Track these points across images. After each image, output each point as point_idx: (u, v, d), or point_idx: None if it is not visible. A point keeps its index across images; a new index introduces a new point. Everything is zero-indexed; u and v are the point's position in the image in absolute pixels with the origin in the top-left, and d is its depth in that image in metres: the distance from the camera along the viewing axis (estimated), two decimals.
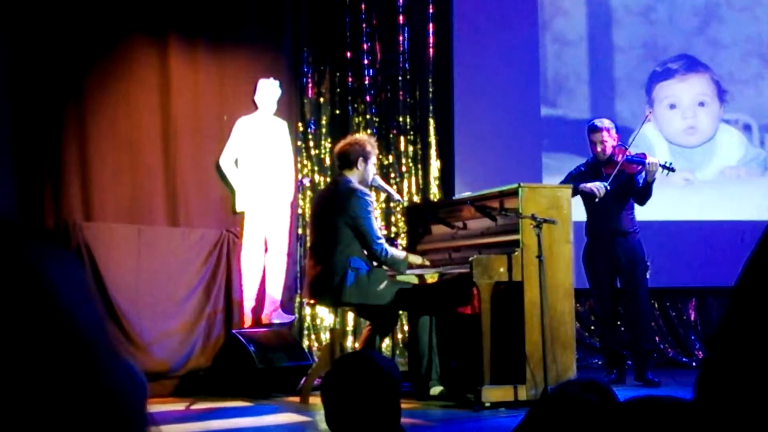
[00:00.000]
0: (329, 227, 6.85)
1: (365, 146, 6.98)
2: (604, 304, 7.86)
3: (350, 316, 8.97)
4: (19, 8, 7.37)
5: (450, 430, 5.99)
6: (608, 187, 7.52)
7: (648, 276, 7.75)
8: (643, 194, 7.65)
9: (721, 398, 1.23)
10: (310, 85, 9.39)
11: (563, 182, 7.78)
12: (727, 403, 1.23)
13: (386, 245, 6.94)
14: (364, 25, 9.62)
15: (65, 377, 0.63)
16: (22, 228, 0.69)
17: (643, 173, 7.58)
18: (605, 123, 7.84)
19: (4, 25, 7.21)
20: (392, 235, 8.99)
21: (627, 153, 7.63)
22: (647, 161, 7.56)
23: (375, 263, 6.89)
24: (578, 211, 7.84)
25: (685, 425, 1.40)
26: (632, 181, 7.67)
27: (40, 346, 0.63)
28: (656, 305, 8.52)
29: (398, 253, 7.11)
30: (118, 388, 0.68)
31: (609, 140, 7.70)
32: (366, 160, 6.95)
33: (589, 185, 7.58)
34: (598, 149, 7.72)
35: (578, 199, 7.72)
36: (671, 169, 7.56)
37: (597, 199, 7.54)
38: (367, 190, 6.93)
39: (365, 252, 6.85)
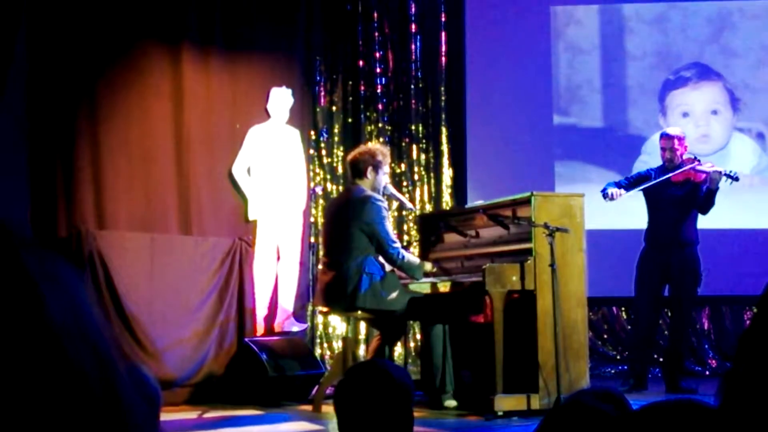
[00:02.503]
0: (343, 234, 6.86)
1: (376, 156, 6.99)
2: (646, 313, 7.88)
3: (363, 324, 8.97)
4: (32, 17, 7.39)
5: None
6: (622, 195, 7.61)
7: (699, 288, 7.83)
8: (706, 203, 7.74)
9: (745, 404, 1.23)
10: (322, 93, 9.41)
11: (634, 176, 7.89)
12: (752, 409, 1.22)
13: (402, 250, 6.95)
14: (376, 34, 9.64)
15: (61, 394, 0.62)
16: (17, 236, 0.68)
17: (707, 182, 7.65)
18: (676, 132, 7.95)
19: (19, 34, 7.24)
20: (405, 244, 8.98)
21: (696, 164, 7.70)
22: (711, 170, 7.61)
23: (390, 268, 6.90)
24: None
25: (702, 430, 1.39)
26: (698, 191, 7.73)
27: (35, 366, 0.61)
28: (669, 314, 8.51)
29: (414, 258, 7.12)
30: (125, 402, 0.67)
31: (680, 149, 7.78)
32: (376, 169, 6.95)
33: (610, 189, 7.71)
34: (667, 156, 7.79)
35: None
36: (735, 178, 7.62)
37: (606, 200, 7.65)
38: (380, 197, 6.94)
39: (380, 258, 6.87)
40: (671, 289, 7.86)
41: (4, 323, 0.60)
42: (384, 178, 7.04)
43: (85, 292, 0.70)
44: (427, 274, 7.10)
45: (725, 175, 7.61)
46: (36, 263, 0.64)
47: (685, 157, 7.82)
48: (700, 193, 7.76)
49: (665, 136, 7.90)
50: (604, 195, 7.74)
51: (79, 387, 0.62)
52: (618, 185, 7.82)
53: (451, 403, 6.81)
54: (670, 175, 7.70)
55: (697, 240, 7.83)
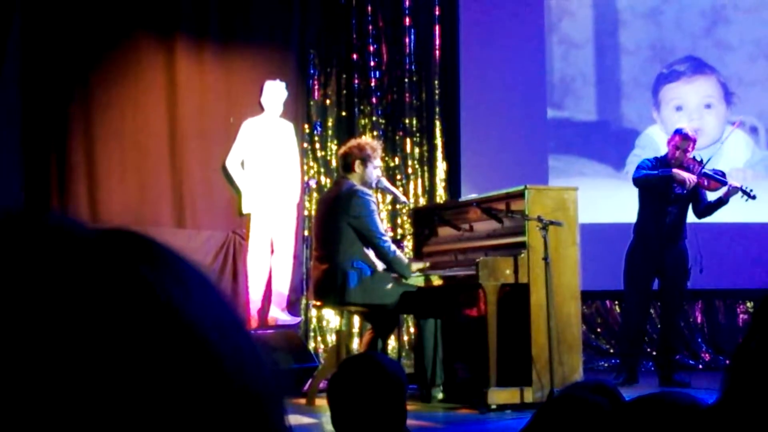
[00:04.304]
0: (332, 228, 6.85)
1: (365, 149, 6.97)
2: (637, 307, 7.90)
3: (356, 318, 8.97)
4: (26, 9, 7.38)
5: None
6: (695, 181, 7.61)
7: (689, 282, 7.85)
8: (708, 210, 7.80)
9: (747, 398, 1.23)
10: (316, 86, 9.40)
11: (650, 164, 7.84)
12: (750, 404, 1.22)
13: (393, 245, 6.94)
14: (370, 27, 9.63)
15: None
16: (139, 241, 0.65)
17: (719, 192, 7.67)
18: (693, 133, 7.92)
19: (12, 27, 7.22)
20: (398, 237, 8.98)
21: (702, 167, 7.70)
22: (729, 183, 7.66)
23: (381, 263, 6.88)
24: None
25: (694, 423, 1.40)
26: (697, 193, 7.77)
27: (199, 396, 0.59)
28: (660, 307, 8.52)
29: (403, 256, 7.12)
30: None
31: (690, 151, 7.78)
32: (365, 163, 6.94)
33: (684, 174, 7.61)
34: (678, 154, 7.76)
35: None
36: (751, 196, 7.64)
37: (685, 190, 7.61)
38: (368, 191, 6.93)
39: (370, 252, 6.85)
40: (662, 283, 7.87)
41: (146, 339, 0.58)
42: (375, 172, 7.03)
43: (223, 297, 0.67)
44: (419, 271, 7.10)
45: (742, 190, 7.62)
46: (161, 271, 0.62)
47: (689, 156, 7.80)
48: (700, 195, 7.77)
49: (684, 136, 7.81)
50: (678, 181, 7.65)
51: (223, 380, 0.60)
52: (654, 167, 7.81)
53: (438, 395, 6.83)
54: (709, 173, 7.70)
55: (686, 235, 7.85)
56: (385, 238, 6.87)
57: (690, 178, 7.59)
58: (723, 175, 7.81)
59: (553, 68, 9.83)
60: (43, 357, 0.54)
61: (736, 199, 7.78)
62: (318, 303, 7.24)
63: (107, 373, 0.55)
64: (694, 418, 1.41)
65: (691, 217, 7.92)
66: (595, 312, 9.69)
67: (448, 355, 6.99)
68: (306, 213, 8.94)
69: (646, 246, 7.78)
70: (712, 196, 7.82)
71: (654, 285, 7.91)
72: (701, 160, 7.79)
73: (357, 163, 6.92)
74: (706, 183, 7.73)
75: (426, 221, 7.97)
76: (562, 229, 6.50)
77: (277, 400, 0.64)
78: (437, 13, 9.80)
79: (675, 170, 7.66)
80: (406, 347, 8.96)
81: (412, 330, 8.65)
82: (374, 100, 9.60)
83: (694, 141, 7.83)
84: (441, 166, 9.69)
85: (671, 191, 7.71)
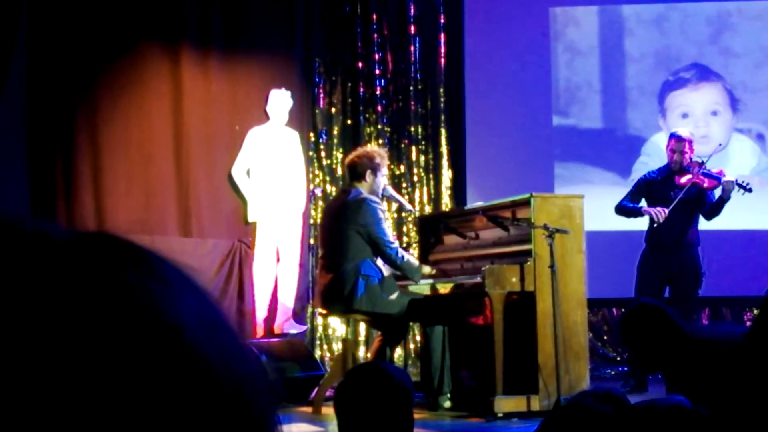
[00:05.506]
0: (339, 236, 6.84)
1: (374, 158, 6.96)
2: None
3: (362, 326, 8.96)
4: (32, 17, 7.39)
5: None
6: (667, 213, 7.57)
7: (700, 289, 7.83)
8: (714, 211, 7.77)
9: (742, 403, 1.23)
10: (321, 95, 9.41)
11: (634, 187, 7.85)
12: (747, 407, 1.22)
13: (401, 250, 6.93)
14: (375, 36, 9.64)
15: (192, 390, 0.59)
16: (119, 245, 0.64)
17: (719, 190, 7.66)
18: (687, 134, 7.93)
19: (19, 35, 7.24)
20: (404, 245, 8.97)
21: (703, 167, 7.70)
22: (724, 179, 7.63)
23: (389, 272, 6.88)
24: (623, 220, 7.93)
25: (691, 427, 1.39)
26: (703, 195, 7.75)
27: (183, 400, 0.58)
28: None
29: (413, 260, 7.10)
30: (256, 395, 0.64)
31: (688, 152, 7.78)
32: (375, 172, 6.93)
33: (651, 210, 7.63)
34: (676, 158, 7.77)
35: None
36: (747, 189, 7.62)
37: (655, 224, 7.58)
38: (377, 199, 6.92)
39: (378, 259, 6.84)
40: (672, 291, 7.86)
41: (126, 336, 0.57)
42: (382, 181, 7.02)
43: (209, 299, 0.66)
44: (426, 277, 7.09)
45: (738, 185, 7.60)
46: (144, 271, 0.62)
47: (688, 158, 7.80)
48: (706, 197, 7.76)
49: (677, 138, 7.85)
50: (642, 213, 7.69)
51: (208, 381, 0.59)
52: (633, 205, 7.81)
53: (445, 403, 6.82)
54: (705, 174, 7.69)
55: (698, 241, 7.83)
56: (392, 245, 6.86)
57: (658, 213, 7.59)
58: (721, 173, 7.79)
59: (558, 76, 9.83)
60: (26, 361, 0.53)
61: (744, 206, 7.76)
62: (324, 311, 7.24)
63: (90, 377, 0.54)
64: (695, 423, 1.41)
65: (703, 224, 7.90)
66: (602, 320, 9.68)
67: (454, 364, 6.98)
68: (312, 221, 8.95)
69: (655, 254, 7.77)
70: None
71: (666, 292, 7.89)
72: (702, 161, 7.78)
73: (368, 172, 6.90)
74: (705, 183, 7.73)
75: (432, 229, 7.96)
76: (568, 236, 6.50)
77: (268, 402, 0.63)
78: (442, 21, 9.81)
79: (644, 208, 7.71)
80: (413, 355, 8.95)
81: (418, 338, 8.63)
82: (379, 108, 9.61)
83: (690, 141, 7.82)
84: (446, 174, 9.69)
85: (669, 199, 7.70)
